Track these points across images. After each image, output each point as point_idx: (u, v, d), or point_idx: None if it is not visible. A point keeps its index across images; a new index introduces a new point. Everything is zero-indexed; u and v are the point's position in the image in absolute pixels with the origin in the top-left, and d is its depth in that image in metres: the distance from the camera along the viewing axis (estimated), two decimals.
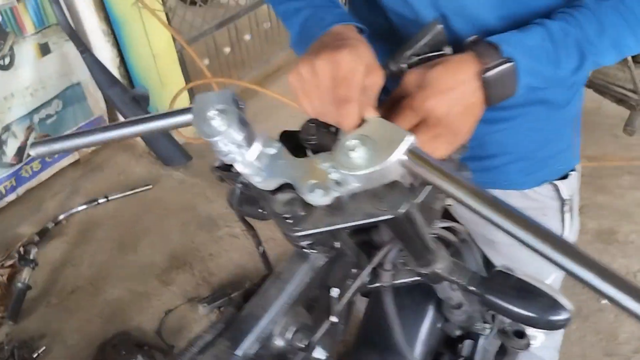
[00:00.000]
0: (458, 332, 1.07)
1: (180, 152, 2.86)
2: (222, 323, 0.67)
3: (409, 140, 0.55)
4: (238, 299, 0.72)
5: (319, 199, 0.62)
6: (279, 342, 0.67)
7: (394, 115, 0.67)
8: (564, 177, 1.01)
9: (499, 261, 1.05)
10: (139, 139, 2.97)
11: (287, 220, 0.64)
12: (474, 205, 0.53)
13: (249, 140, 0.66)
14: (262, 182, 0.65)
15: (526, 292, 0.70)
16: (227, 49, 3.46)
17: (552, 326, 0.71)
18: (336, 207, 0.63)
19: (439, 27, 0.65)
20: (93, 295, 2.16)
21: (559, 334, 1.31)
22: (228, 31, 3.43)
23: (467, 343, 1.01)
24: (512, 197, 0.99)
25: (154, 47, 2.72)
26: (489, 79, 0.67)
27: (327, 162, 0.62)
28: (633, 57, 2.33)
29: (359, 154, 0.55)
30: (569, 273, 0.44)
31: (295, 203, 0.63)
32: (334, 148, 0.58)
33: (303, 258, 0.71)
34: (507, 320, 1.03)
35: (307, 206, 0.64)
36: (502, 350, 1.07)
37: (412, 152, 0.55)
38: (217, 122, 0.63)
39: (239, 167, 0.67)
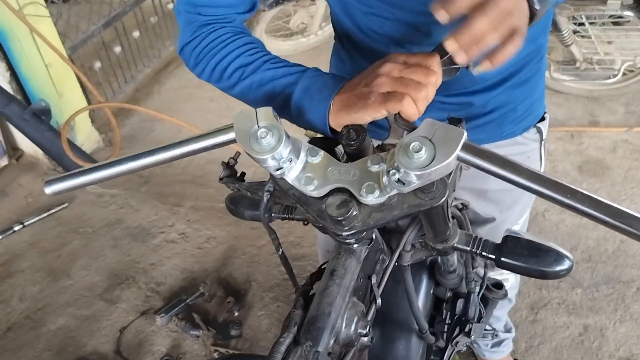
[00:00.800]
0: (448, 294, 1.19)
1: (91, 164, 2.71)
2: (294, 326, 0.72)
3: (464, 136, 0.63)
4: (300, 299, 0.77)
5: (374, 199, 0.68)
6: (346, 333, 0.73)
7: (468, 26, 0.63)
8: (542, 119, 1.16)
9: (483, 208, 1.20)
10: (40, 155, 2.77)
11: (342, 222, 0.69)
12: (520, 181, 0.63)
13: (297, 152, 0.71)
14: (315, 190, 0.70)
15: (535, 250, 0.83)
16: (118, 48, 3.30)
17: (557, 276, 0.84)
18: (384, 204, 0.70)
19: None
20: (34, 329, 2.03)
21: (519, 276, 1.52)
22: (116, 30, 3.27)
23: (460, 302, 1.12)
24: (503, 147, 1.11)
25: (46, 56, 2.54)
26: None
27: (381, 164, 0.69)
28: None
29: (423, 154, 0.62)
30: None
31: (347, 205, 0.69)
32: (393, 151, 0.64)
33: (351, 253, 0.77)
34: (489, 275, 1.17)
35: (359, 205, 0.70)
36: (483, 302, 1.20)
37: (466, 146, 0.63)
38: (267, 140, 0.67)
39: (290, 179, 0.71)
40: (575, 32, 2.61)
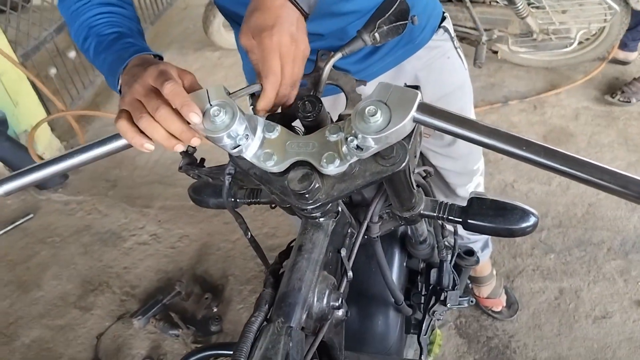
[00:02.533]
0: (421, 265, 1.20)
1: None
2: (265, 304, 0.71)
3: (418, 96, 0.62)
4: (269, 278, 0.75)
5: (335, 168, 0.67)
6: (318, 307, 0.72)
7: (262, 66, 0.71)
8: (444, 18, 1.22)
9: (440, 160, 1.35)
10: (1, 167, 2.69)
11: (305, 195, 0.68)
12: (479, 138, 0.63)
13: (252, 129, 0.69)
14: (275, 165, 0.69)
15: (501, 209, 0.83)
16: (73, 54, 3.22)
17: (524, 232, 0.84)
18: (345, 174, 0.69)
19: None
20: (7, 344, 1.97)
21: None
22: (67, 35, 3.19)
23: (434, 271, 1.13)
24: (423, 57, 1.17)
25: None
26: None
27: (339, 132, 0.68)
28: None
29: (378, 118, 0.61)
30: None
31: (309, 177, 0.68)
32: (350, 118, 0.63)
33: (317, 227, 0.76)
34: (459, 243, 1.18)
35: (321, 177, 0.69)
36: (456, 270, 1.21)
37: (421, 106, 0.62)
38: (221, 117, 0.66)
39: (249, 157, 0.69)
40: (529, 3, 2.64)
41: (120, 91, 0.77)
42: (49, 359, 1.91)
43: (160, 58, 0.84)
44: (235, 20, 1.13)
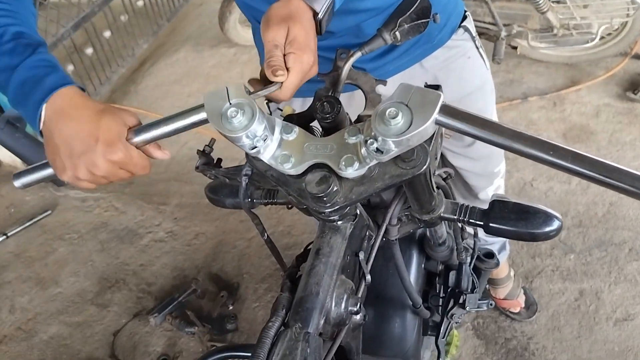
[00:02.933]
0: (440, 267, 1.18)
1: None
2: (282, 309, 0.70)
3: (441, 98, 0.60)
4: (287, 282, 0.74)
5: (354, 171, 0.66)
6: (336, 312, 0.71)
7: (287, 79, 0.72)
8: (465, 17, 1.19)
9: (461, 160, 1.34)
10: (19, 164, 2.72)
11: (323, 198, 0.67)
12: (502, 141, 0.61)
13: (271, 130, 0.68)
14: (292, 167, 0.68)
15: (523, 212, 0.80)
16: (90, 50, 3.25)
17: (547, 237, 0.82)
18: (364, 176, 0.68)
19: None
20: (26, 340, 1.99)
21: None
22: (86, 31, 3.21)
23: (452, 274, 1.11)
24: (440, 56, 1.15)
25: None
26: (320, 19, 0.74)
27: (358, 135, 0.66)
28: None
29: (399, 120, 0.59)
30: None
31: (327, 180, 0.66)
32: (370, 120, 0.62)
33: (335, 230, 0.74)
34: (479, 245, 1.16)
35: (339, 180, 0.68)
36: (475, 272, 1.19)
37: (443, 108, 0.61)
38: (239, 118, 0.64)
39: (266, 159, 0.68)
40: None
41: (37, 123, 0.74)
42: (66, 356, 1.93)
43: (82, 89, 0.78)
44: (254, 16, 1.12)
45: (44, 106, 0.73)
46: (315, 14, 0.73)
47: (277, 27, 0.72)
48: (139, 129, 0.74)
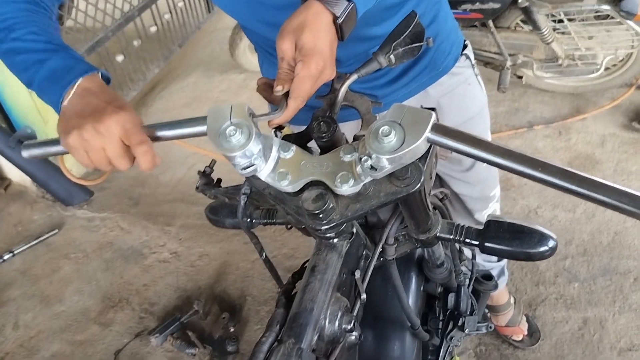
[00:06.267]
0: (439, 290, 1.18)
1: (79, 188, 2.71)
2: (277, 325, 0.71)
3: (433, 117, 0.62)
4: (282, 299, 0.75)
5: (350, 188, 0.67)
6: (330, 329, 0.71)
7: (297, 86, 0.72)
8: (465, 46, 1.24)
9: (459, 186, 1.37)
10: (28, 183, 2.76)
11: (319, 215, 0.68)
12: (493, 158, 0.62)
13: (267, 149, 0.70)
14: (289, 185, 0.69)
15: (518, 232, 0.81)
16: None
17: (542, 256, 0.82)
18: (360, 194, 0.69)
19: (417, 19, 0.73)
20: (28, 357, 2.00)
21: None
22: (100, 56, 3.28)
23: (451, 296, 1.11)
24: (445, 83, 1.18)
25: None
26: (342, 24, 0.74)
27: (353, 153, 0.68)
28: (494, 22, 2.62)
29: (392, 138, 0.61)
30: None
31: (323, 197, 0.68)
32: (364, 138, 0.64)
33: (331, 248, 0.76)
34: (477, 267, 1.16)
35: (335, 198, 0.69)
36: (474, 294, 1.19)
37: (435, 127, 0.62)
38: (237, 137, 0.66)
39: (263, 177, 0.70)
40: (555, 29, 2.62)
41: (60, 104, 0.77)
42: None
43: (108, 79, 0.82)
44: (258, 43, 1.15)
45: (70, 85, 0.76)
46: (335, 17, 0.73)
47: (284, 39, 0.73)
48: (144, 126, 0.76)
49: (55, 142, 0.78)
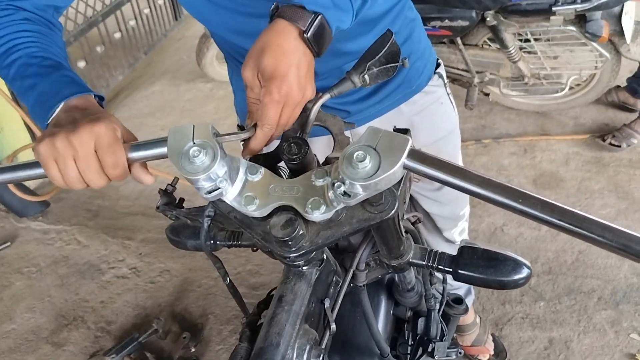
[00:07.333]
0: (409, 314, 1.15)
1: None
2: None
3: (409, 142, 0.59)
4: (246, 331, 0.70)
5: (321, 215, 0.63)
6: None
7: (262, 114, 0.69)
8: (438, 65, 1.23)
9: (429, 204, 1.35)
10: None
11: (288, 242, 0.64)
12: (471, 188, 0.59)
13: (234, 171, 0.66)
14: (257, 210, 0.65)
15: (492, 260, 0.79)
16: None
17: (517, 285, 0.80)
18: (331, 220, 0.65)
19: (393, 38, 0.70)
20: None
21: None
22: None
23: (421, 320, 1.08)
24: (418, 101, 1.17)
25: None
26: (310, 37, 0.71)
27: (325, 177, 0.64)
28: (462, 40, 2.64)
29: (367, 164, 0.57)
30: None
31: (293, 224, 0.64)
32: (337, 162, 0.60)
33: (300, 276, 0.71)
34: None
35: (305, 224, 0.65)
36: (444, 319, 1.16)
37: (411, 153, 0.59)
38: (201, 159, 0.62)
39: (229, 200, 0.65)
40: (521, 48, 2.66)
41: (47, 125, 0.73)
42: None
43: (101, 98, 0.80)
44: (229, 53, 1.11)
45: (60, 105, 0.73)
46: (301, 31, 0.70)
47: (245, 67, 0.70)
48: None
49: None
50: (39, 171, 0.69)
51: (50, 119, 0.73)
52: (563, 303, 1.99)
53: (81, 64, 3.33)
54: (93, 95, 0.78)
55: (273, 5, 0.74)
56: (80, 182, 0.68)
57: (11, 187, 2.38)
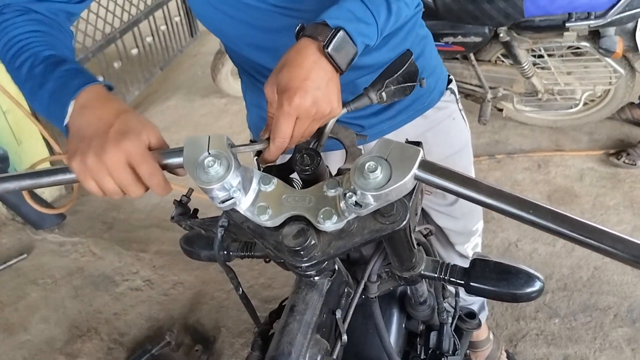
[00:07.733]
0: (421, 327, 1.14)
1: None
2: None
3: (420, 153, 0.59)
4: (258, 340, 0.71)
5: (333, 225, 0.64)
6: None
7: (274, 127, 0.70)
8: (450, 80, 1.24)
9: (442, 219, 1.34)
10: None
11: (300, 252, 0.65)
12: (481, 198, 0.59)
13: (247, 182, 0.67)
14: (269, 219, 0.66)
15: (505, 272, 0.79)
16: None
17: (529, 298, 0.80)
18: (343, 230, 0.66)
19: (412, 58, 0.71)
20: None
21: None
22: None
23: (434, 334, 1.08)
24: (431, 116, 1.18)
25: (3, 103, 2.47)
26: (331, 52, 0.72)
27: (337, 188, 0.65)
28: (475, 55, 2.65)
29: (378, 174, 0.58)
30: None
31: (305, 234, 0.64)
32: (349, 173, 0.61)
33: (312, 286, 0.72)
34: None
35: (317, 234, 0.66)
36: (457, 333, 1.15)
37: (423, 163, 0.60)
38: (215, 169, 0.63)
39: (242, 210, 0.66)
40: (535, 64, 2.66)
41: (66, 126, 0.73)
42: None
43: (110, 88, 0.79)
44: (244, 68, 1.13)
45: (71, 103, 0.72)
46: (321, 46, 0.71)
47: (267, 84, 0.72)
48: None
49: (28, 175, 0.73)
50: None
51: (65, 121, 0.73)
52: (578, 320, 1.96)
53: (99, 79, 3.39)
54: (102, 85, 0.77)
55: (299, 26, 0.76)
56: (119, 193, 0.69)
57: (28, 199, 2.41)
